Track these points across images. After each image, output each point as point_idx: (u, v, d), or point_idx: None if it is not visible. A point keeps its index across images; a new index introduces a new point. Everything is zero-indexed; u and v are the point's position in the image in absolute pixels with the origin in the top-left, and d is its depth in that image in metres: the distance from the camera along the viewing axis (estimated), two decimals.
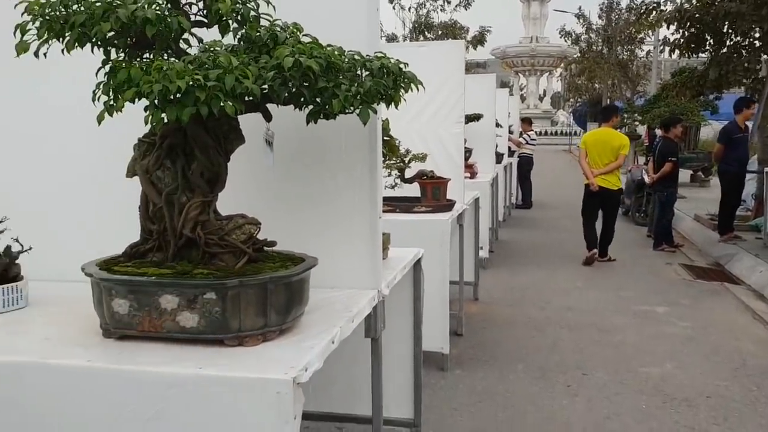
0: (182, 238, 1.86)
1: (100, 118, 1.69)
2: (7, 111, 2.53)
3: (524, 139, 13.36)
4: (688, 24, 10.35)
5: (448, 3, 31.92)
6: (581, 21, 33.84)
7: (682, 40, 10.68)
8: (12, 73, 2.33)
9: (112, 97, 1.70)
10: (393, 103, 1.91)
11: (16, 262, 2.18)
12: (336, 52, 1.80)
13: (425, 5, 31.86)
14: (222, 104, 1.62)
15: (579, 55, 36.45)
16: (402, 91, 1.91)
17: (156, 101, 1.62)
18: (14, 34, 1.71)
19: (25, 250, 2.19)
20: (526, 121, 14.13)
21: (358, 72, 1.86)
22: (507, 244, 9.34)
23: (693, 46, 10.62)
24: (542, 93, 57.39)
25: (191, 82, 1.59)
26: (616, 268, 7.84)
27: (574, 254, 8.43)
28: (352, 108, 1.78)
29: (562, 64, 48.10)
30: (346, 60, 1.83)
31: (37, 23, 1.72)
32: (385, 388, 2.54)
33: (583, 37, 34.46)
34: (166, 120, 1.64)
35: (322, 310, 2.06)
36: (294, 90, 1.75)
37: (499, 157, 9.84)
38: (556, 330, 5.41)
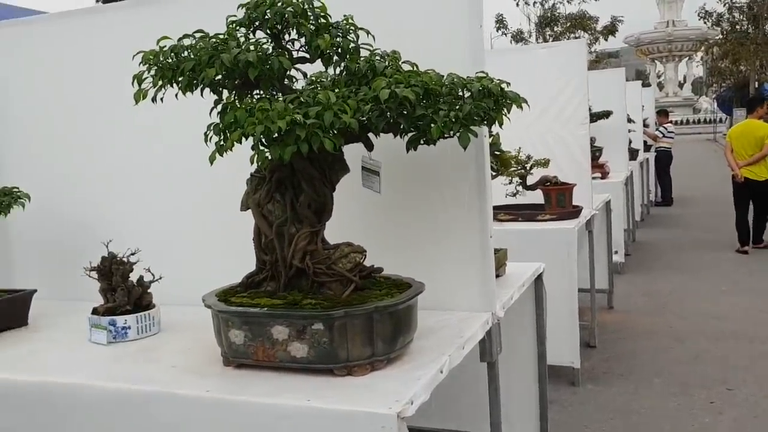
0: (292, 268, 1.91)
1: (212, 158, 1.78)
2: (136, 149, 2.73)
3: (660, 132, 12.63)
4: None
5: None
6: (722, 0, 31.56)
7: None
8: (137, 114, 2.50)
9: (221, 138, 1.78)
10: (499, 123, 1.86)
11: (149, 291, 2.33)
12: (434, 78, 1.78)
13: None
14: (321, 140, 1.65)
15: (721, 36, 34.02)
16: (505, 111, 1.85)
17: (260, 141, 1.68)
18: (132, 84, 1.83)
19: (156, 280, 2.34)
20: (662, 113, 13.36)
21: (459, 93, 1.83)
22: (645, 245, 8.86)
23: None
24: (682, 79, 54.16)
25: (291, 122, 1.63)
26: (766, 270, 7.21)
27: (719, 255, 7.86)
28: (451, 133, 1.75)
29: (702, 48, 45.07)
30: (446, 84, 1.81)
31: (153, 71, 1.83)
32: (509, 406, 2.48)
33: (725, 17, 32.14)
34: (270, 158, 1.69)
35: (433, 335, 2.04)
36: (392, 120, 1.75)
37: (633, 154, 9.39)
38: (699, 340, 5.06)
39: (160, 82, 1.83)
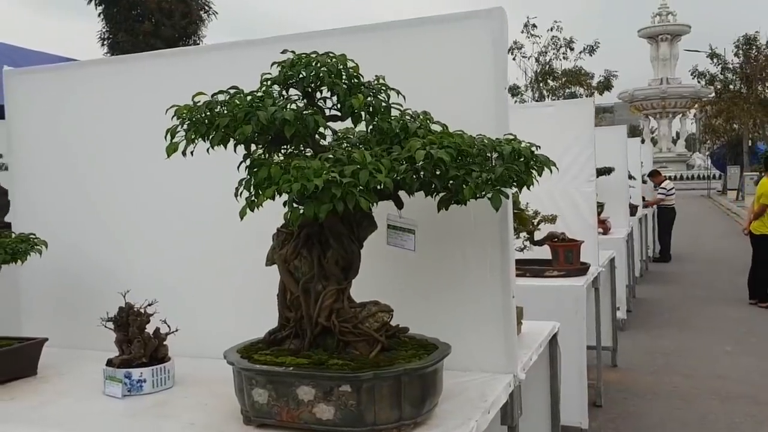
0: (318, 326, 1.89)
1: (242, 213, 1.77)
2: (156, 197, 2.72)
3: (661, 194, 12.62)
4: None
5: (571, 50, 31.55)
6: (715, 60, 32.24)
7: None
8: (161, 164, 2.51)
9: (253, 193, 1.78)
10: (528, 185, 1.87)
11: (164, 343, 2.29)
12: (466, 140, 1.79)
13: (547, 53, 31.66)
14: (357, 199, 1.65)
15: (714, 95, 34.65)
16: (535, 173, 1.86)
17: (294, 198, 1.67)
18: (165, 137, 1.84)
19: (173, 332, 2.30)
20: (655, 174, 13.24)
21: (488, 155, 1.84)
22: (645, 302, 8.83)
23: None
24: (675, 135, 54.89)
25: (328, 180, 1.62)
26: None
27: (720, 313, 7.83)
28: (483, 194, 1.75)
29: (695, 106, 45.84)
30: (476, 146, 1.82)
31: (185, 125, 1.84)
32: None
33: (718, 76, 32.79)
34: (303, 214, 1.68)
35: (456, 398, 2.01)
36: (425, 181, 1.75)
37: (632, 209, 9.44)
38: (706, 401, 5.00)
39: (193, 136, 1.83)
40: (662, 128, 51.20)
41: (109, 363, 2.22)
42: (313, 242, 1.93)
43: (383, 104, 1.90)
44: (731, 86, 31.70)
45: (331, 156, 1.70)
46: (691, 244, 14.56)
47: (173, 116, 1.85)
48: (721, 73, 32.19)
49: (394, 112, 1.93)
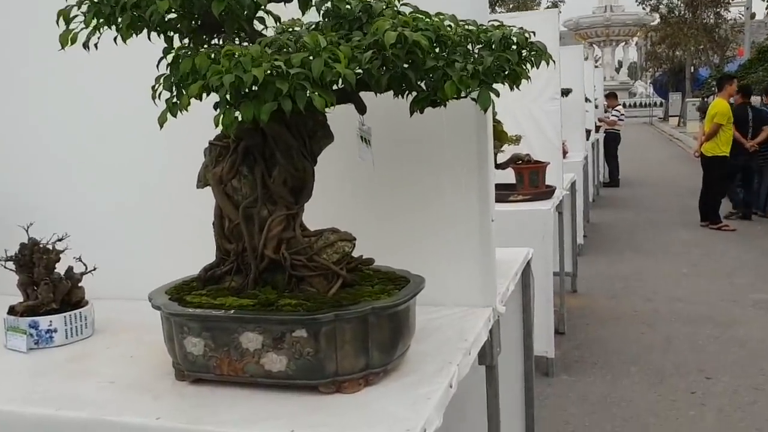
0: (264, 260, 1.54)
1: (161, 120, 1.39)
2: (60, 118, 2.27)
3: (615, 116, 12.57)
4: None
5: None
6: None
7: None
8: (63, 71, 2.06)
9: (175, 94, 1.39)
10: (516, 84, 1.53)
11: (80, 285, 1.92)
12: (447, 23, 1.42)
13: None
14: (308, 96, 1.28)
15: (659, 21, 34.67)
16: (528, 66, 1.52)
17: (228, 96, 1.29)
18: (57, 22, 1.42)
19: (89, 271, 1.93)
20: (612, 96, 13.31)
21: (469, 47, 1.49)
22: (600, 227, 8.77)
23: None
24: (618, 64, 55.22)
25: (270, 71, 1.25)
26: (723, 251, 7.18)
27: (674, 237, 7.82)
28: (469, 90, 1.41)
29: (639, 33, 45.96)
30: (458, 32, 1.45)
31: (84, 7, 1.42)
32: None
33: (663, 2, 32.71)
34: (240, 119, 1.31)
35: (430, 338, 1.71)
36: (396, 73, 1.39)
37: (586, 134, 9.26)
38: (668, 324, 4.91)
39: (94, 22, 1.42)
40: (606, 56, 51.27)
41: (11, 311, 1.84)
42: (255, 157, 1.55)
43: None
44: (676, 11, 31.64)
45: (274, 41, 1.32)
46: (637, 169, 14.62)
47: None
48: None
49: None
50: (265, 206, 1.54)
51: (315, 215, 1.63)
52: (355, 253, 1.61)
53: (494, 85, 1.44)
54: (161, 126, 1.38)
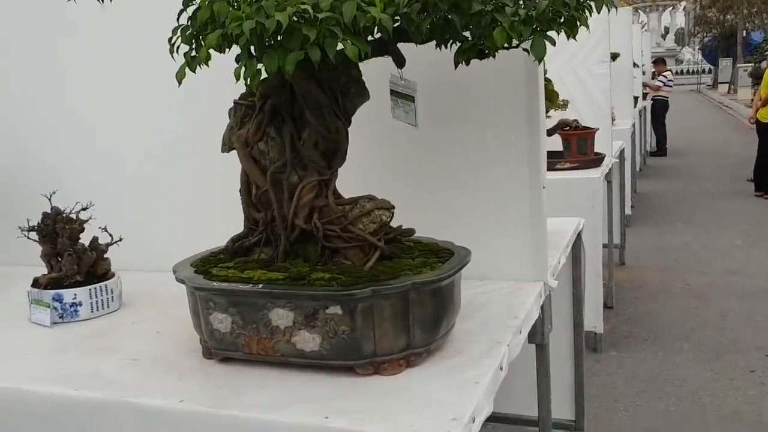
0: (295, 230, 1.41)
1: (180, 76, 1.27)
2: (85, 83, 2.17)
3: (660, 81, 12.12)
4: None
5: None
6: None
7: None
8: (86, 38, 1.96)
9: (193, 47, 1.27)
10: (573, 34, 1.36)
11: (105, 256, 1.83)
12: None
13: None
14: (340, 45, 1.14)
15: None
16: (587, 13, 1.34)
17: (250, 47, 1.16)
18: None
19: (116, 242, 1.83)
20: (660, 62, 12.80)
21: None
22: (648, 197, 8.44)
23: None
24: (664, 30, 53.50)
25: (296, 16, 1.11)
26: None
27: (726, 207, 7.48)
28: (520, 38, 1.24)
29: None
30: None
31: None
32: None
33: None
34: (264, 73, 1.17)
35: (477, 315, 1.57)
36: (438, 19, 1.24)
37: (634, 101, 8.91)
38: (723, 299, 4.66)
39: None
40: (651, 22, 49.70)
41: (35, 284, 1.76)
42: (283, 117, 1.42)
43: None
44: None
45: None
46: (685, 137, 14.10)
47: None
48: None
49: None
50: (294, 171, 1.41)
51: (349, 181, 1.49)
52: (394, 223, 1.47)
53: (549, 33, 1.27)
54: (179, 82, 1.26)
